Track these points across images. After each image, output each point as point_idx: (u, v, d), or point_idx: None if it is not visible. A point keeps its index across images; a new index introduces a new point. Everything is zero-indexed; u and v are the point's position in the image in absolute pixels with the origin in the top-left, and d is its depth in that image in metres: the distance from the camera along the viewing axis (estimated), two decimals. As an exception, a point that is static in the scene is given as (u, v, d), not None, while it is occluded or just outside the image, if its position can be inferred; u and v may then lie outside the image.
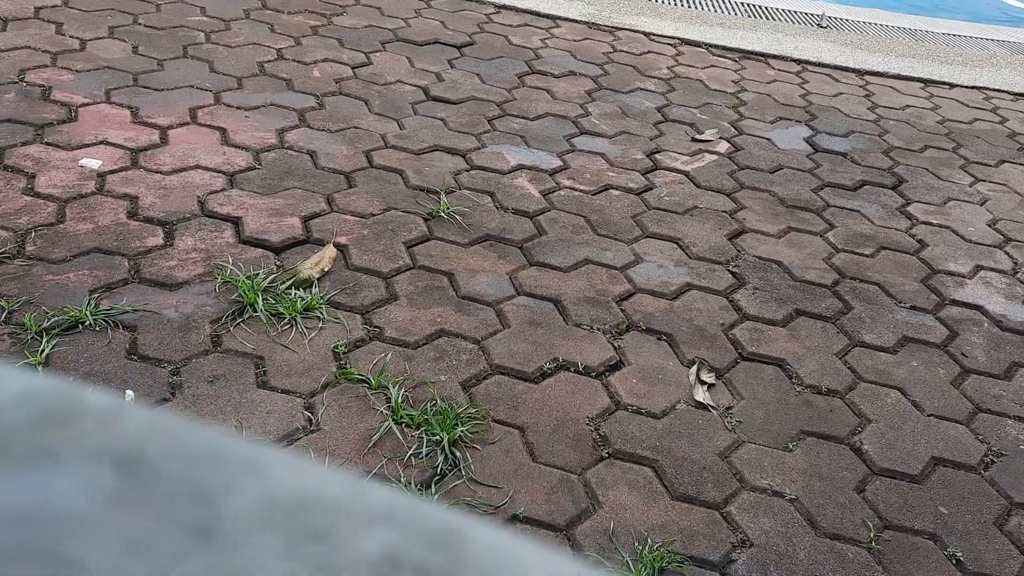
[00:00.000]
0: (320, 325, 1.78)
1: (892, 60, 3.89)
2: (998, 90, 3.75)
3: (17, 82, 2.46)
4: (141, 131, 2.34)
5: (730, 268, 2.24)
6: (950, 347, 2.07)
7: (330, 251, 2.00)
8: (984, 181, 2.94)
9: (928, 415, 1.84)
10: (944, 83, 3.73)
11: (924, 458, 1.72)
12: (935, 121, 3.36)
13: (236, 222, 2.06)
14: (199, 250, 1.94)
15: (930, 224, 2.61)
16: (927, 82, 3.72)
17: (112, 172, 2.15)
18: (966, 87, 3.73)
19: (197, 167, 2.24)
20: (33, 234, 1.89)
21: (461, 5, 3.70)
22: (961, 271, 2.39)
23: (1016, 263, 2.47)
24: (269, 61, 2.90)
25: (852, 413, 1.81)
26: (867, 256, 2.39)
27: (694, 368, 1.86)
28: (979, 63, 4.04)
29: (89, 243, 1.89)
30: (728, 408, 1.76)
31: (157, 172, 2.18)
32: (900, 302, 2.21)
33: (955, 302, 2.24)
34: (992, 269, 2.42)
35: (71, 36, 2.78)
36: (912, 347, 2.05)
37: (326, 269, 1.95)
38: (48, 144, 2.21)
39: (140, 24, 2.96)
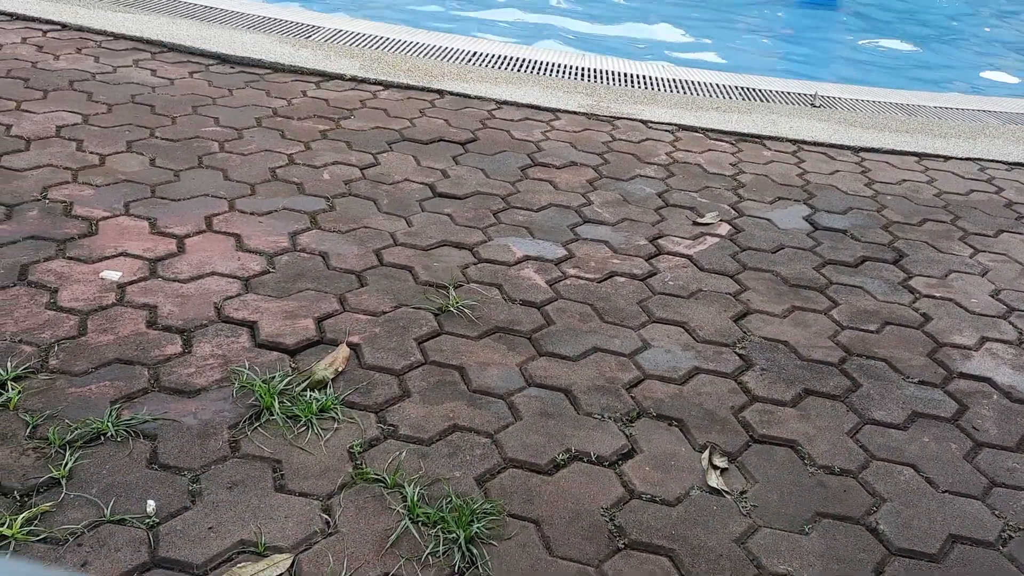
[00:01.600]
0: (335, 426, 1.82)
1: (886, 136, 3.98)
2: (993, 160, 3.83)
3: (40, 199, 2.56)
4: (159, 241, 2.43)
5: (737, 350, 2.27)
6: (960, 421, 2.08)
7: (343, 351, 2.05)
8: (984, 252, 2.98)
9: (943, 491, 1.84)
10: (939, 156, 3.81)
11: (941, 536, 1.72)
12: (932, 194, 3.42)
13: (252, 326, 2.12)
14: (216, 356, 1.99)
15: (933, 297, 2.65)
16: (922, 156, 3.81)
17: (131, 283, 2.22)
18: (961, 159, 3.81)
19: (213, 274, 2.31)
20: (56, 348, 1.94)
21: (464, 103, 3.84)
22: (967, 343, 2.41)
23: (1022, 333, 2.50)
24: (281, 166, 3.00)
25: (866, 492, 1.82)
26: (872, 332, 2.42)
27: (706, 453, 1.88)
28: (972, 134, 4.13)
29: (110, 354, 1.94)
30: (742, 492, 1.77)
31: (175, 280, 2.26)
32: (908, 377, 2.23)
33: (963, 375, 2.26)
34: (998, 340, 2.44)
35: (91, 152, 2.90)
36: (922, 422, 2.06)
37: (340, 369, 2.00)
38: (70, 258, 2.29)
39: (157, 137, 3.09)
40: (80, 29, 4.03)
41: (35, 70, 3.52)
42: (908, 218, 3.18)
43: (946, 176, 3.62)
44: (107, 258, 2.31)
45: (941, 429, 2.04)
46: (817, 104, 4.35)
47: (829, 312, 2.50)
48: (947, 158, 3.81)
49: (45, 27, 4.00)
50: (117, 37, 4.00)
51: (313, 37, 4.43)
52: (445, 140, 3.42)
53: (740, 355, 2.25)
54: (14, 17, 4.06)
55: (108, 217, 2.52)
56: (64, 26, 4.03)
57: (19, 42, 3.79)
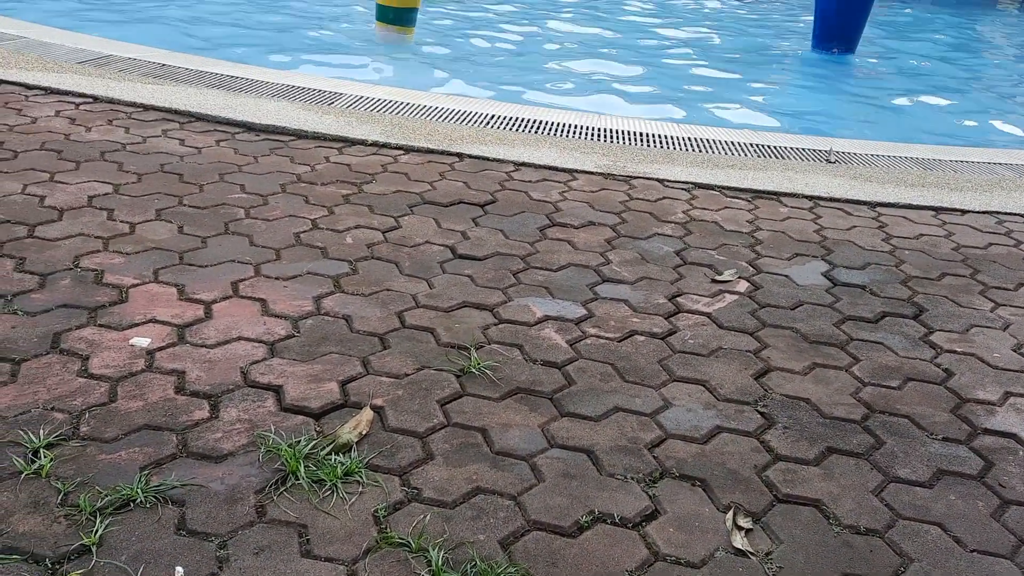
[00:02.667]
0: (360, 489, 1.84)
1: (902, 190, 4.01)
2: (1010, 213, 3.84)
3: (72, 268, 2.63)
4: (187, 307, 2.48)
5: (759, 408, 2.27)
6: (987, 478, 2.06)
7: (367, 414, 2.08)
8: (1005, 306, 2.98)
9: (971, 551, 1.82)
10: (956, 210, 3.83)
11: (971, 597, 1.70)
12: (950, 248, 3.43)
13: (277, 390, 2.15)
14: (243, 420, 2.02)
15: (955, 352, 2.64)
16: (939, 210, 3.83)
17: (160, 349, 2.27)
18: (978, 212, 3.83)
19: (240, 339, 2.35)
20: (87, 414, 1.98)
21: (483, 166, 3.91)
22: (990, 399, 2.40)
23: (1046, 387, 2.48)
24: (305, 231, 3.07)
25: (893, 552, 1.80)
26: (894, 389, 2.42)
27: (730, 513, 1.87)
28: (989, 187, 4.15)
29: (139, 420, 1.98)
30: (767, 554, 1.77)
31: (202, 346, 2.30)
32: (932, 434, 2.22)
33: (987, 431, 2.25)
34: (1022, 395, 2.43)
35: (121, 221, 2.98)
36: (948, 480, 2.04)
37: (364, 432, 2.02)
38: (101, 326, 2.35)
39: (185, 205, 3.17)
40: (111, 101, 4.16)
41: (68, 142, 3.63)
42: (927, 273, 3.19)
43: (964, 230, 3.63)
44: (137, 325, 2.37)
45: (967, 487, 2.03)
46: (832, 160, 4.39)
47: (850, 369, 2.51)
48: (964, 211, 3.83)
49: (78, 100, 4.14)
50: (147, 108, 4.13)
51: (335, 104, 4.54)
52: (465, 202, 3.48)
53: (762, 413, 2.25)
54: (48, 91, 4.21)
55: (138, 284, 2.58)
56: (96, 99, 4.17)
57: (53, 115, 3.92)
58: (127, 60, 4.86)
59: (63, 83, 4.31)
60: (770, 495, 1.94)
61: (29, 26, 5.47)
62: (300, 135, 4.04)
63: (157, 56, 5.05)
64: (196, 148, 3.73)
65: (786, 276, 3.08)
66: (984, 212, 3.84)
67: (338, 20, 7.73)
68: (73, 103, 4.10)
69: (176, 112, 4.12)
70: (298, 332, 2.42)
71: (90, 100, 4.16)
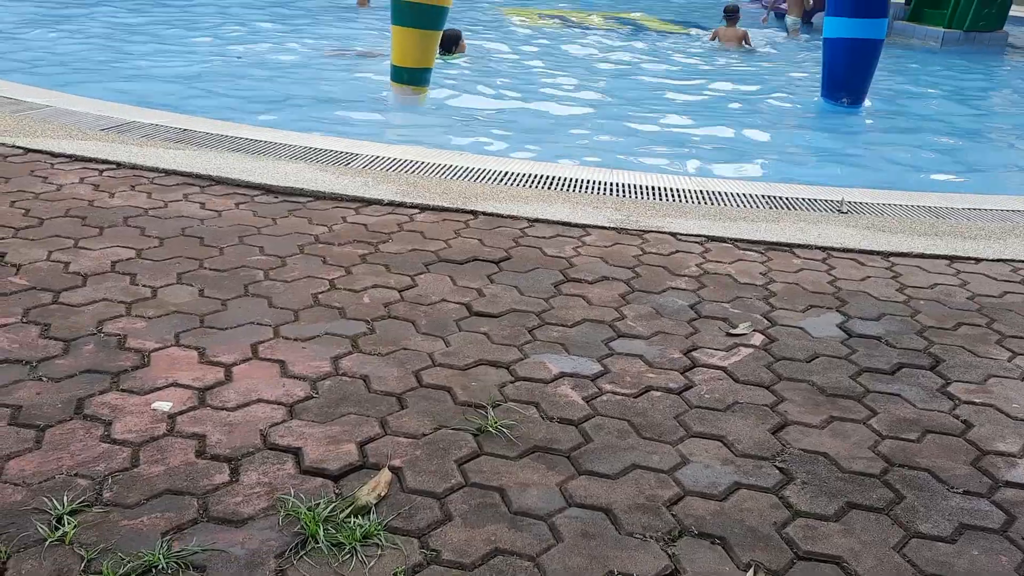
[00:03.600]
0: (379, 552, 1.84)
1: (915, 240, 4.03)
2: (1024, 260, 3.84)
3: (96, 333, 2.68)
4: (207, 370, 2.52)
5: (777, 463, 2.27)
6: (1010, 532, 2.04)
7: (385, 475, 2.09)
8: (1022, 355, 2.97)
9: (996, 608, 1.80)
10: (970, 258, 3.84)
11: (998, 656, 1.67)
12: (965, 297, 3.44)
13: (296, 453, 2.17)
14: (263, 484, 2.04)
15: (973, 403, 2.63)
16: (952, 259, 3.83)
17: (181, 412, 2.30)
18: (992, 260, 3.83)
19: (259, 401, 2.38)
20: (110, 480, 2.01)
21: (497, 223, 3.96)
22: (1011, 451, 2.39)
23: (1067, 437, 2.46)
24: (323, 292, 3.12)
25: (917, 610, 1.78)
26: (913, 441, 2.41)
27: (751, 572, 1.87)
28: (1003, 235, 4.16)
29: (161, 485, 2.00)
30: (788, 613, 1.75)
31: (223, 409, 2.33)
32: (952, 488, 2.20)
33: (1009, 483, 2.23)
34: (1043, 445, 2.41)
35: (144, 285, 3.05)
36: (970, 535, 2.03)
37: (383, 494, 2.03)
38: (123, 390, 2.39)
39: (205, 268, 3.23)
40: (134, 167, 4.27)
41: (92, 208, 3.72)
42: (942, 323, 3.19)
43: (978, 278, 3.64)
44: (158, 389, 2.41)
45: (990, 541, 2.01)
46: (844, 210, 4.42)
47: (868, 421, 2.50)
48: (978, 260, 3.83)
49: (102, 167, 4.25)
50: (168, 173, 4.23)
51: (352, 164, 4.63)
52: (480, 259, 3.53)
53: (780, 468, 2.24)
54: (73, 159, 4.32)
55: (159, 348, 2.63)
56: (119, 165, 4.28)
57: (77, 182, 4.02)
58: (149, 126, 4.99)
59: (87, 150, 4.42)
60: (790, 552, 1.93)
61: (56, 95, 5.64)
62: (318, 196, 4.12)
63: (178, 121, 5.18)
64: (216, 211, 3.81)
65: (801, 328, 3.09)
66: (998, 260, 3.84)
67: (355, 81, 7.91)
68: (97, 169, 4.21)
69: (197, 176, 4.21)
70: (317, 393, 2.45)
71: (113, 166, 4.27)
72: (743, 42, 11.64)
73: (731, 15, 11.93)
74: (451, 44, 9.40)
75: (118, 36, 9.29)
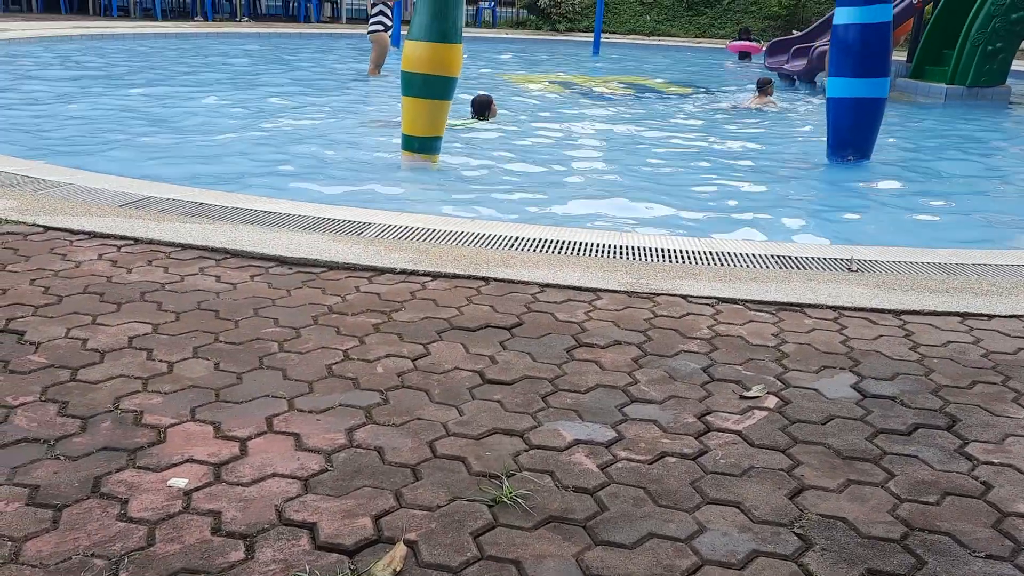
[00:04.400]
0: (395, 629, 1.83)
1: (927, 297, 4.03)
2: (1038, 315, 3.83)
3: (113, 410, 2.71)
4: (223, 445, 2.53)
5: (795, 529, 2.25)
6: (1035, 597, 2.01)
7: (400, 550, 2.08)
8: (1040, 412, 2.95)
9: (1025, 677, 1.76)
10: (982, 315, 3.84)
11: None
12: (979, 355, 3.42)
13: (311, 528, 2.17)
14: (278, 561, 2.04)
15: (992, 464, 2.61)
16: (965, 315, 3.83)
17: (197, 489, 2.31)
18: (1005, 316, 3.82)
19: (274, 475, 2.39)
20: (126, 560, 2.01)
21: (508, 288, 4.00)
22: (1032, 512, 2.35)
23: (1089, 497, 2.43)
24: (336, 363, 3.14)
25: None
26: (932, 504, 2.38)
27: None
28: (1014, 291, 4.16)
29: (177, 564, 2.00)
30: None
31: (238, 484, 2.34)
32: (974, 552, 2.17)
33: (1032, 546, 2.20)
34: (1065, 506, 2.38)
35: (160, 360, 3.08)
36: (995, 601, 1.99)
37: (398, 569, 2.02)
38: (140, 468, 2.40)
39: (221, 341, 3.27)
40: (151, 242, 4.35)
41: (110, 284, 3.78)
42: (957, 381, 3.18)
43: (992, 335, 3.63)
44: (174, 465, 2.42)
45: (1015, 607, 1.97)
46: (854, 269, 4.43)
47: (886, 484, 2.48)
48: (991, 316, 3.83)
49: (120, 242, 4.33)
50: (184, 247, 4.30)
51: (365, 234, 4.70)
52: (492, 326, 3.55)
53: (799, 535, 2.22)
54: (92, 235, 4.40)
55: (175, 424, 2.65)
56: (137, 240, 4.36)
57: (96, 258, 4.09)
58: (166, 200, 5.09)
59: (106, 226, 4.51)
60: (811, 623, 1.90)
61: (76, 172, 5.77)
62: (331, 266, 4.17)
63: (194, 195, 5.29)
64: (232, 284, 3.87)
65: (815, 390, 3.08)
66: (1011, 316, 3.84)
67: (367, 151, 8.05)
68: (115, 246, 4.29)
69: (212, 249, 4.28)
70: (331, 466, 2.46)
71: (131, 242, 4.34)
72: (769, 103, 11.98)
73: (764, 87, 12.31)
74: (484, 109, 9.63)
75: (135, 112, 9.52)
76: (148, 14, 22.56)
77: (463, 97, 9.42)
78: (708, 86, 15.27)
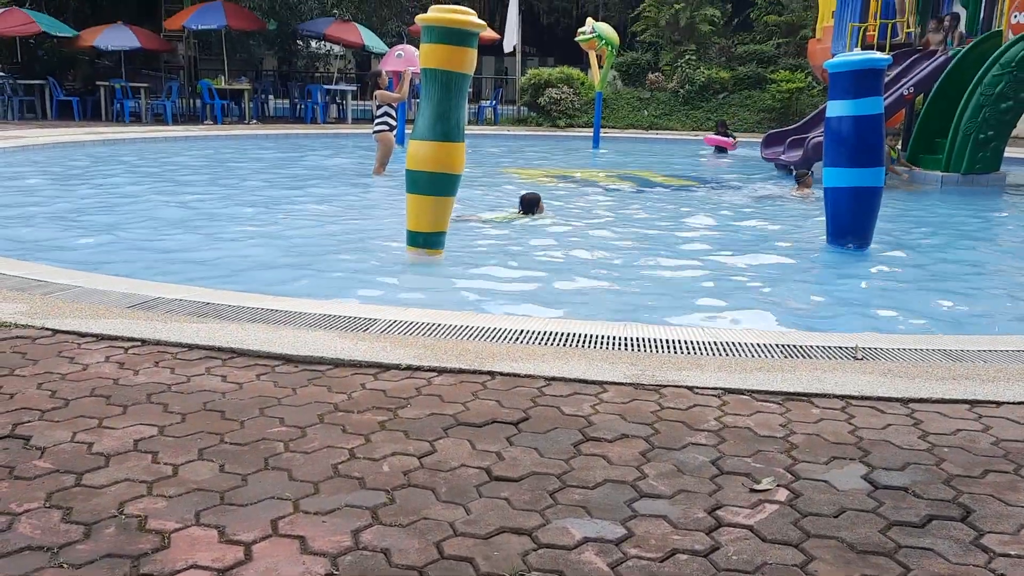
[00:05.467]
0: None
1: (934, 384, 4.02)
2: (1046, 401, 3.81)
3: (117, 515, 2.69)
4: (227, 550, 2.50)
5: (811, 629, 2.19)
6: None
7: (408, 657, 2.04)
8: (1055, 501, 2.91)
9: None
10: (990, 402, 3.82)
11: None
12: (989, 443, 3.40)
13: (317, 635, 2.13)
14: (282, 670, 1.99)
15: (1009, 556, 2.56)
16: (973, 403, 3.81)
17: (201, 596, 2.27)
18: (1013, 403, 3.80)
19: (279, 580, 2.35)
20: (127, 672, 1.97)
21: (514, 383, 4.00)
22: (1054, 605, 2.30)
23: (1111, 589, 2.38)
24: (342, 462, 3.12)
25: None
26: (951, 599, 2.33)
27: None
28: (1021, 377, 4.15)
29: (179, 676, 1.96)
30: None
31: (242, 591, 2.30)
32: (997, 649, 2.12)
33: (1056, 643, 2.14)
34: (1087, 599, 2.33)
35: (165, 463, 3.07)
36: None
37: (405, 677, 1.97)
38: (143, 575, 2.36)
39: (226, 443, 3.26)
40: (158, 343, 4.38)
41: (116, 386, 3.80)
42: (969, 470, 3.14)
43: (1001, 423, 3.60)
44: (179, 572, 2.38)
45: None
46: (859, 356, 4.43)
47: (902, 579, 2.43)
48: (999, 403, 3.81)
49: (127, 344, 4.36)
50: (191, 348, 4.33)
51: (370, 329, 4.73)
52: (498, 421, 3.54)
53: (815, 634, 2.17)
54: (99, 338, 4.44)
55: (180, 528, 2.62)
56: (144, 341, 4.39)
57: (103, 360, 4.12)
58: (174, 301, 5.14)
59: (113, 328, 4.55)
60: None
61: (85, 275, 5.85)
62: (337, 363, 4.19)
63: (201, 295, 5.34)
64: (238, 384, 3.88)
65: (825, 482, 3.05)
66: (1020, 403, 3.82)
67: (372, 247, 8.16)
68: (123, 347, 4.31)
69: (219, 349, 4.31)
70: (337, 570, 2.42)
71: (138, 343, 4.38)
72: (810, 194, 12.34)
73: (803, 178, 12.74)
74: (532, 207, 9.85)
75: (144, 213, 9.70)
76: (159, 119, 23.20)
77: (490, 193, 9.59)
78: (706, 177, 15.55)
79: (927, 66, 15.08)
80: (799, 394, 3.91)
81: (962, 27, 15.61)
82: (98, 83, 23.83)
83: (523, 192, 10.27)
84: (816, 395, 3.90)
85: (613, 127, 25.77)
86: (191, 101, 25.23)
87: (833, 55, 15.00)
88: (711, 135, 20.82)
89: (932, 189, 13.48)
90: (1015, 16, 13.93)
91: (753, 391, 3.95)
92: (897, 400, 3.85)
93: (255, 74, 30.35)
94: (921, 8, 16.68)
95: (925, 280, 7.53)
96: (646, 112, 27.36)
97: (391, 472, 3.06)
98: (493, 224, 9.60)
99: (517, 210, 9.99)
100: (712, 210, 11.38)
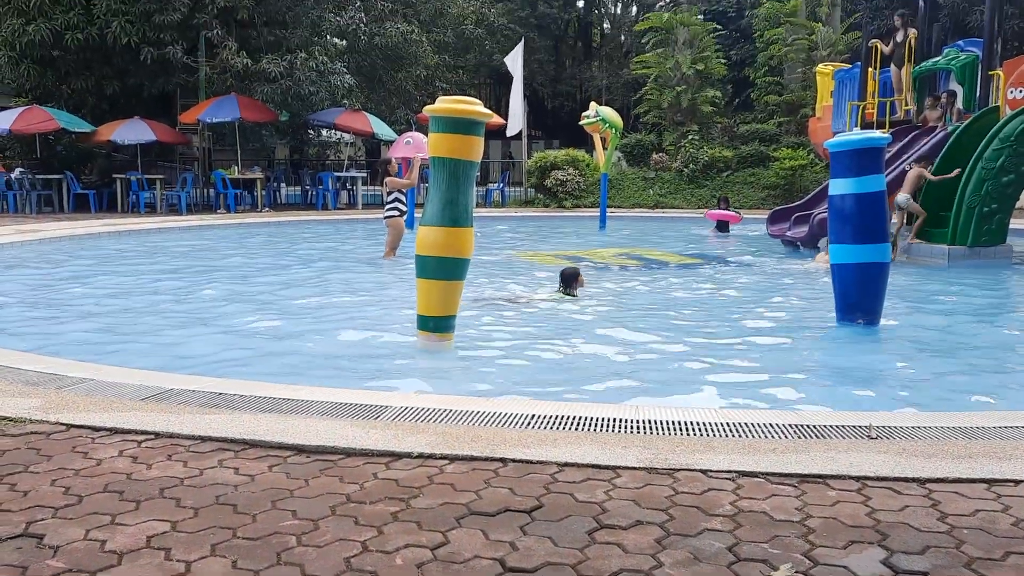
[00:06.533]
0: None
1: (950, 463, 3.98)
2: (1066, 478, 3.77)
3: (129, 615, 2.67)
4: (240, 650, 2.47)
5: None
6: None
7: None
8: (1080, 583, 2.85)
9: None
10: (1009, 481, 3.77)
11: None
12: (1009, 523, 3.35)
13: None
14: None
15: (1035, 642, 2.50)
16: (991, 482, 3.77)
17: None
18: (1031, 481, 3.76)
19: None
20: None
21: (526, 469, 3.98)
22: None
23: None
24: (355, 555, 3.10)
25: None
26: None
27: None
28: (1038, 452, 4.10)
29: None
30: None
31: None
32: None
33: None
34: None
35: (178, 560, 3.05)
36: None
37: None
38: (155, 677, 2.34)
39: (239, 537, 3.24)
40: (171, 436, 4.39)
41: (130, 481, 3.80)
42: (990, 552, 3.10)
43: (1020, 502, 3.55)
44: (190, 673, 2.35)
45: None
46: (874, 436, 4.40)
47: (927, 669, 2.38)
48: (1018, 482, 3.76)
49: (140, 437, 4.38)
50: (204, 440, 4.34)
51: (382, 417, 4.73)
52: (511, 510, 3.52)
53: None
54: (113, 431, 4.46)
55: (192, 628, 2.60)
56: (157, 435, 4.41)
57: (116, 455, 4.13)
58: (187, 392, 5.17)
59: (127, 422, 4.57)
60: None
61: (99, 367, 5.90)
62: (349, 452, 4.19)
63: (214, 385, 5.37)
64: (250, 476, 3.87)
65: (844, 567, 3.00)
66: (1038, 481, 3.77)
67: (383, 332, 8.21)
68: (136, 441, 4.33)
69: (231, 441, 4.32)
70: (350, 669, 2.38)
71: (152, 436, 4.39)
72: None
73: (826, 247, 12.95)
74: (572, 281, 9.95)
75: (159, 303, 9.81)
76: (173, 209, 23.64)
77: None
78: (713, 255, 15.67)
79: (927, 142, 15.32)
80: (814, 476, 3.88)
81: (959, 104, 15.90)
82: (114, 175, 24.40)
83: (563, 268, 10.41)
84: (831, 476, 3.87)
85: (619, 206, 26.09)
86: (205, 191, 25.76)
87: (834, 133, 15.30)
88: (713, 210, 20.98)
89: (939, 263, 13.52)
90: (1011, 92, 14.20)
91: (767, 473, 3.92)
92: (914, 480, 3.81)
93: (267, 163, 31.04)
94: (918, 86, 17.02)
95: (937, 355, 7.50)
96: (651, 191, 27.74)
97: (404, 565, 3.03)
98: (530, 304, 9.69)
99: (559, 287, 10.07)
100: (721, 287, 11.43)
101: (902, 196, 13.91)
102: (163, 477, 3.85)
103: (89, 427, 4.51)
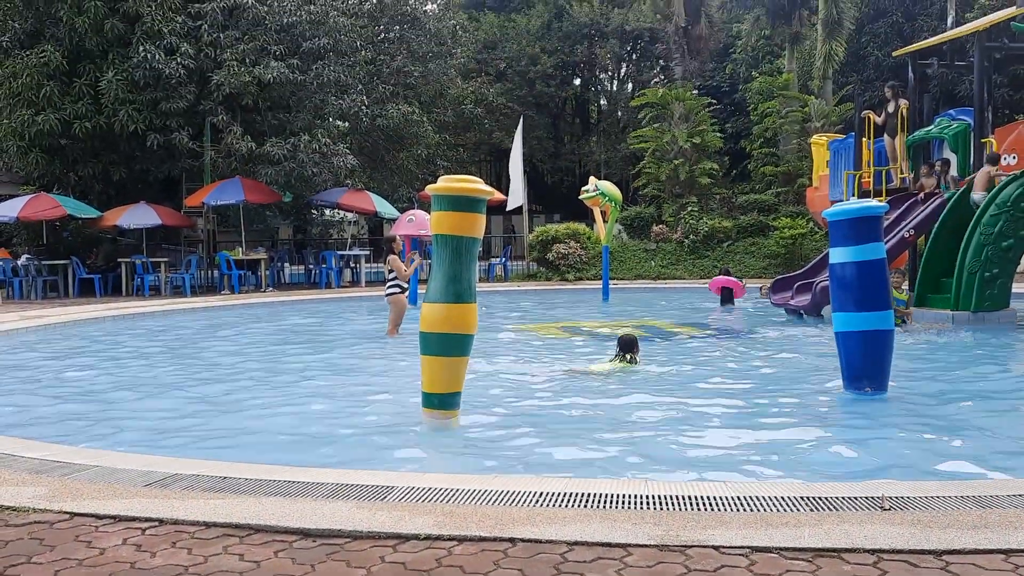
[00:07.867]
0: None
1: (966, 534, 3.91)
2: (1085, 547, 3.70)
3: None
4: None
5: None
6: None
7: None
8: (1107, 657, 2.78)
9: None
10: (1026, 550, 3.71)
11: None
12: (1031, 595, 3.28)
13: None
14: None
15: None
16: (1008, 552, 3.70)
17: None
18: (1050, 550, 3.69)
19: None
20: None
21: (536, 549, 3.92)
22: None
23: None
24: (362, 643, 3.03)
25: None
26: None
27: None
28: (1055, 521, 4.04)
29: None
30: None
31: None
32: None
33: None
34: None
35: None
36: None
37: None
38: None
39: (244, 627, 3.17)
40: (175, 522, 4.34)
41: (133, 571, 3.74)
42: (1013, 626, 3.02)
43: (1040, 572, 3.49)
44: None
45: None
46: (887, 507, 4.34)
47: None
48: (1036, 548, 3.70)
49: (144, 525, 4.32)
50: (209, 525, 4.28)
51: (388, 498, 4.68)
52: (522, 593, 3.45)
53: None
54: (117, 519, 4.41)
55: None
56: (161, 521, 4.35)
57: (120, 544, 4.07)
58: (191, 477, 5.13)
59: (131, 509, 4.53)
60: None
61: (103, 454, 5.86)
62: (355, 536, 4.13)
63: (218, 469, 5.33)
64: (255, 562, 3.81)
65: (864, 645, 2.93)
66: (1057, 548, 3.70)
67: (388, 410, 8.17)
68: (140, 528, 4.28)
69: (236, 526, 4.26)
70: None
71: (156, 523, 4.34)
72: None
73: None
74: (631, 347, 9.93)
75: (162, 387, 9.79)
76: (178, 291, 23.78)
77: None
78: (718, 325, 15.67)
79: (924, 209, 15.48)
80: (828, 550, 3.81)
81: (954, 171, 16.11)
82: (120, 259, 24.62)
83: (621, 334, 10.38)
84: (846, 550, 3.80)
85: (622, 278, 26.22)
86: (209, 272, 25.94)
87: (832, 202, 15.49)
88: (716, 278, 20.87)
89: (944, 329, 13.50)
90: (1004, 158, 14.41)
91: (781, 548, 3.85)
92: (930, 552, 3.74)
93: (271, 243, 31.33)
94: (912, 155, 17.27)
95: (947, 422, 7.43)
96: (653, 263, 27.90)
97: (413, 652, 2.96)
98: (586, 375, 9.67)
99: (616, 354, 10.03)
100: (727, 358, 11.40)
101: (978, 194, 13.90)
102: (167, 565, 3.79)
103: (93, 515, 4.46)
